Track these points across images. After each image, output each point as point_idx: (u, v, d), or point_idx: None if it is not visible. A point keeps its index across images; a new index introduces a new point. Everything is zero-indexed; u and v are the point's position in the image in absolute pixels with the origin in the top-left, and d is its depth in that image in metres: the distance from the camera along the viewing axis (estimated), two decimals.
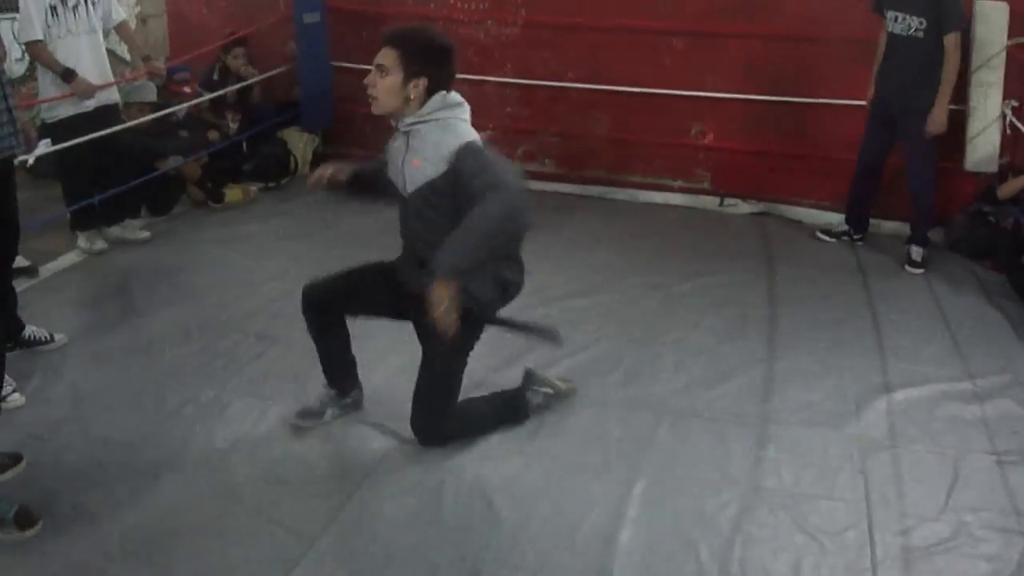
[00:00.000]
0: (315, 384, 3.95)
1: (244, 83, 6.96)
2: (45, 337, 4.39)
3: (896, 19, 5.48)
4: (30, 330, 4.36)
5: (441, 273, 3.00)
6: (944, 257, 5.87)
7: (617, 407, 3.99)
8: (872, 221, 6.13)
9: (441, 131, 3.22)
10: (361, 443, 3.68)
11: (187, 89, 6.57)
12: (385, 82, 3.21)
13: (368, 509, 3.28)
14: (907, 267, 5.77)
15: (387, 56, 3.21)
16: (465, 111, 3.31)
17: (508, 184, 3.06)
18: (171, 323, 4.70)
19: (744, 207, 6.75)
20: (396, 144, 3.35)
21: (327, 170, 3.58)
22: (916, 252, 5.79)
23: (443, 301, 2.97)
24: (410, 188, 3.28)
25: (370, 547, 3.09)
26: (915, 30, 5.39)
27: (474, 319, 3.36)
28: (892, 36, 5.54)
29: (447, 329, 3.03)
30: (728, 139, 6.71)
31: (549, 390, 3.90)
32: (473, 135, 3.26)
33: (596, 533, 3.19)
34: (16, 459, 3.43)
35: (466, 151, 3.15)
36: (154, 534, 3.12)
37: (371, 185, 3.55)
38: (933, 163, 5.69)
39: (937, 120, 5.45)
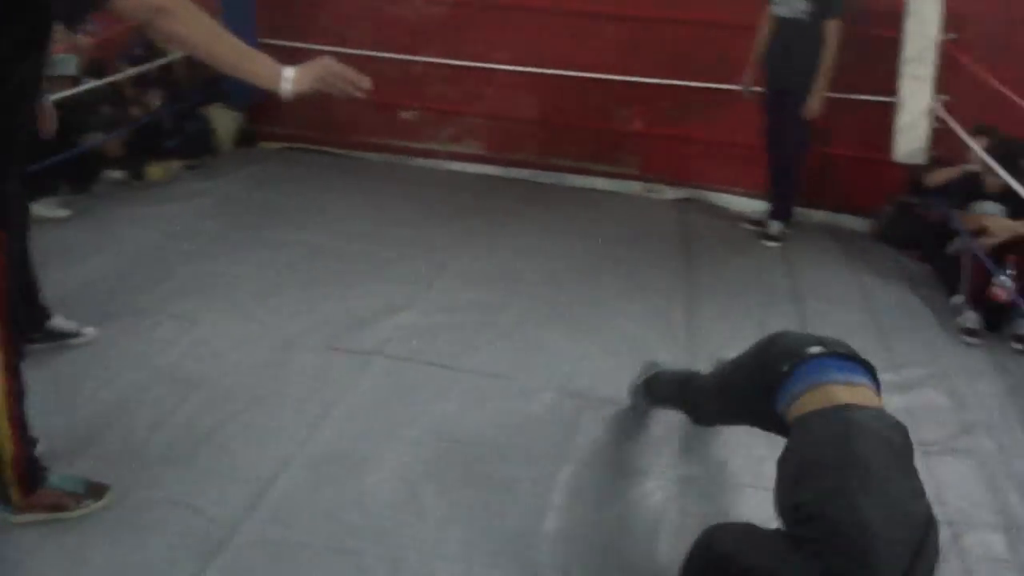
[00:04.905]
0: (236, 364, 3.94)
1: (167, 59, 6.79)
2: (73, 330, 4.07)
3: (783, 1, 5.58)
4: (57, 321, 4.04)
5: None
6: (870, 247, 5.95)
7: (541, 392, 3.95)
8: (799, 210, 6.18)
9: None
10: (279, 430, 3.59)
11: (84, 38, 6.20)
12: None
13: (289, 496, 3.20)
14: (763, 241, 5.93)
15: None
16: None
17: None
18: (88, 306, 4.49)
19: (669, 193, 6.77)
20: None
21: None
22: (775, 226, 5.97)
23: None
24: None
25: (290, 535, 3.01)
26: (801, 12, 5.49)
27: None
28: (779, 19, 5.63)
29: None
30: (655, 125, 6.69)
31: None
32: None
33: (521, 520, 3.16)
34: (98, 493, 3.10)
35: None
36: (70, 522, 2.99)
37: None
38: (806, 145, 5.84)
39: (811, 106, 5.55)
